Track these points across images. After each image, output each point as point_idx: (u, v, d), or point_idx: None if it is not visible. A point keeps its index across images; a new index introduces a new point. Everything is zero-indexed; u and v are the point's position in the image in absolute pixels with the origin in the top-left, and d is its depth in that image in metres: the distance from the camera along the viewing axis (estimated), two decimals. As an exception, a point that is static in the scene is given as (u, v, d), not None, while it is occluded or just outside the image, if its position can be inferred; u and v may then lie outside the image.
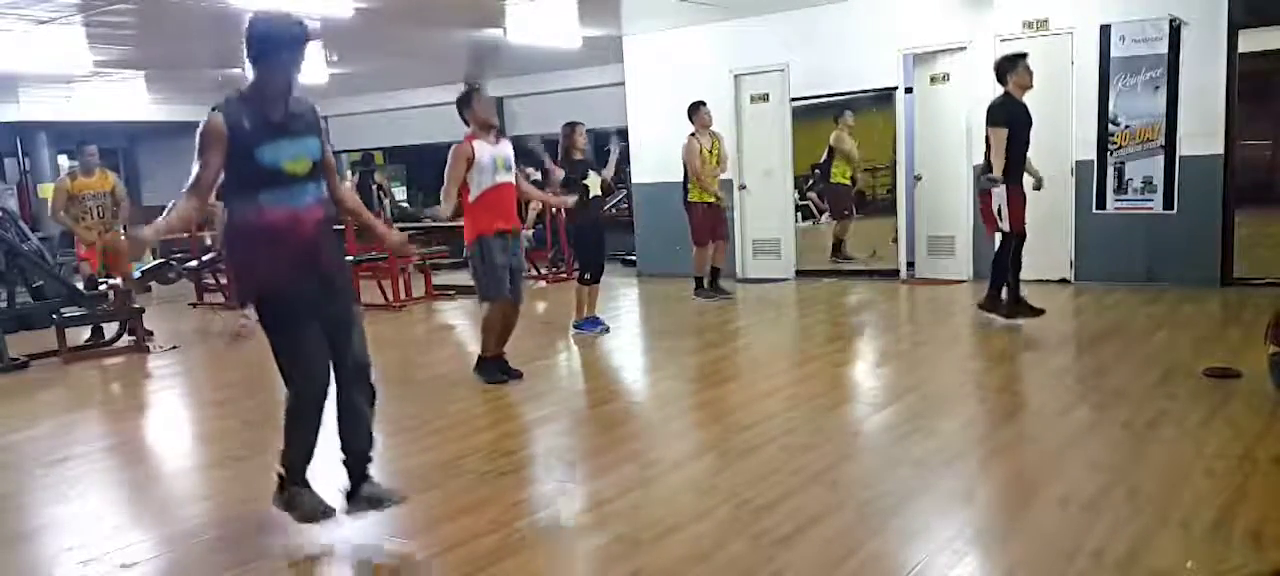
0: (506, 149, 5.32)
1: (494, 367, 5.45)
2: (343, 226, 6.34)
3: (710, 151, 7.99)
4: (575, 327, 6.92)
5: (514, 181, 5.36)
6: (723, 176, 8.30)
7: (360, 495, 3.21)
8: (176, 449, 4.98)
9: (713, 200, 8.03)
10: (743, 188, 9.16)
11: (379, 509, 3.21)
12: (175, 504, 3.83)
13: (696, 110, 7.96)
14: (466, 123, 5.24)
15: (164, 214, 2.94)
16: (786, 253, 9.48)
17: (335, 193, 3.26)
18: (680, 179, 8.19)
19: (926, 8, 8.38)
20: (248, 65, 2.95)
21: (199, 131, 2.91)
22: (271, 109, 2.95)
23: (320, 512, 3.16)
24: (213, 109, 2.91)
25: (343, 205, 3.37)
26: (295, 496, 3.17)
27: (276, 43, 2.91)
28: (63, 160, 17.16)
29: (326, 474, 3.25)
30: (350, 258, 7.65)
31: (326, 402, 3.11)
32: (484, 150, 5.15)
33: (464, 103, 5.25)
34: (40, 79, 10.88)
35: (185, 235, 11.84)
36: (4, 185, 15.52)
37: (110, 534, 3.45)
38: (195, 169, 2.92)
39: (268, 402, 5.76)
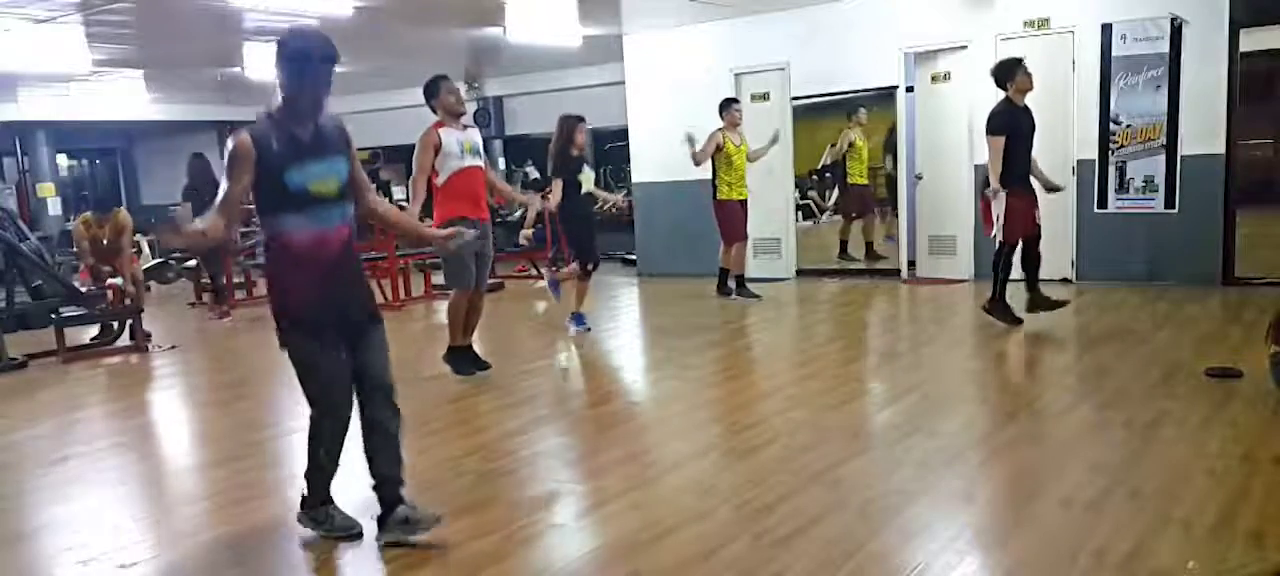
0: (474, 135, 5.38)
1: (463, 358, 5.46)
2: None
3: (737, 149, 7.81)
4: (572, 316, 6.95)
5: (482, 166, 5.38)
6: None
7: (393, 520, 3.08)
8: (176, 449, 4.98)
9: (743, 198, 7.89)
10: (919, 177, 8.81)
11: (414, 532, 3.07)
12: (175, 504, 3.82)
13: (726, 107, 7.81)
14: (434, 110, 5.29)
15: (200, 221, 2.91)
16: (787, 252, 9.47)
17: (367, 206, 3.24)
18: (679, 178, 8.15)
19: (927, 7, 8.37)
20: (279, 83, 2.95)
21: (227, 151, 2.91)
22: (301, 129, 2.93)
23: (350, 530, 3.16)
24: (243, 129, 2.91)
25: (375, 215, 3.33)
26: (323, 516, 3.17)
27: (307, 59, 2.90)
28: (62, 159, 17.18)
29: (352, 493, 3.25)
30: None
31: (348, 427, 3.08)
32: (450, 136, 5.21)
33: (430, 91, 5.30)
34: (39, 78, 10.87)
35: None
36: (3, 184, 15.51)
37: (110, 534, 3.44)
38: (222, 187, 2.92)
39: (267, 403, 5.77)
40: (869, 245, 9.98)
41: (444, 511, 3.17)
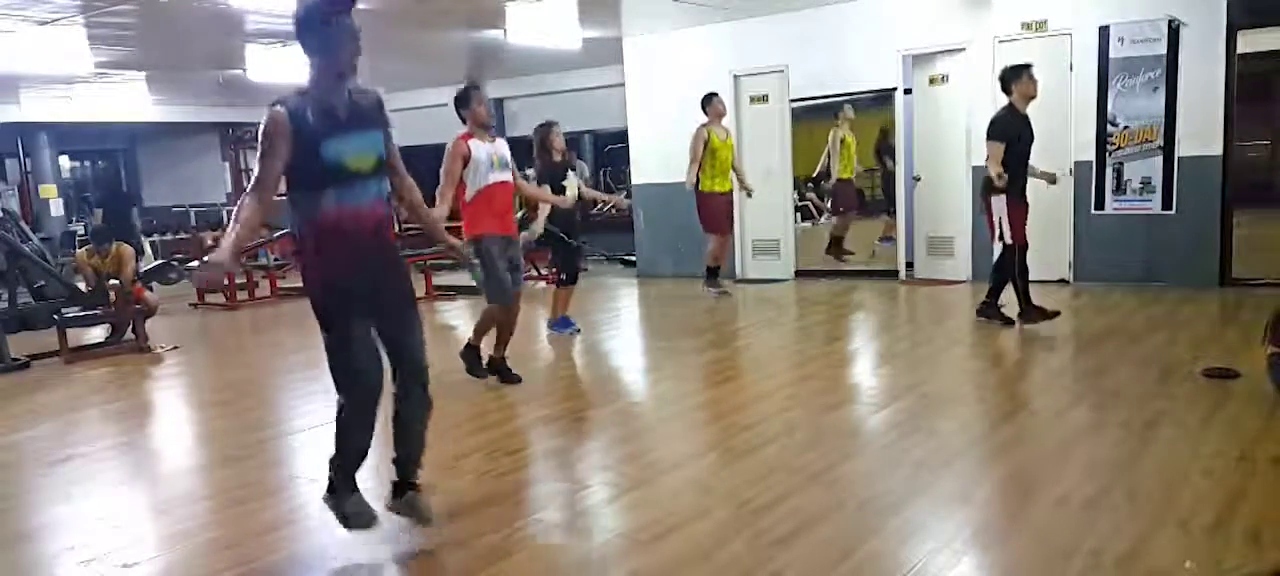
0: (503, 148, 5.28)
1: (489, 364, 5.43)
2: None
3: (723, 143, 7.91)
4: (550, 327, 6.96)
5: (510, 180, 5.34)
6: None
7: (402, 499, 3.15)
8: (176, 449, 4.99)
9: (726, 190, 7.97)
10: (917, 178, 8.79)
11: (412, 519, 3.14)
12: (175, 504, 3.83)
13: (709, 100, 7.92)
14: (464, 121, 5.21)
15: (231, 226, 2.81)
16: (786, 253, 9.50)
17: (401, 188, 3.15)
18: (679, 180, 8.18)
19: (925, 9, 8.39)
20: (306, 53, 2.85)
21: (262, 127, 2.77)
22: (334, 100, 2.84)
23: (365, 521, 3.10)
24: (274, 104, 2.78)
25: (405, 200, 3.25)
26: (342, 501, 3.10)
27: (321, 19, 2.81)
28: (64, 161, 17.22)
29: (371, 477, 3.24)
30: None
31: (378, 408, 3.00)
32: (480, 148, 5.11)
33: (462, 101, 5.19)
34: (41, 80, 10.89)
35: (185, 235, 11.89)
36: (5, 186, 15.55)
37: (110, 534, 3.45)
38: (257, 168, 2.83)
39: (268, 403, 5.79)
40: (837, 240, 9.97)
41: (437, 518, 3.18)
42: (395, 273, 3.10)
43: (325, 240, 2.87)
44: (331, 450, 3.10)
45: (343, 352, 2.93)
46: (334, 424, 3.04)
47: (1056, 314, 6.13)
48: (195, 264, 2.86)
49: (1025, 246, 6.04)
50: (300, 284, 3.03)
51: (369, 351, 2.95)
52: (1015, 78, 5.98)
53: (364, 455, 3.10)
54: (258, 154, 2.84)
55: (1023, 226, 6.01)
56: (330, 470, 3.12)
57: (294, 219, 2.92)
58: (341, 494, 3.10)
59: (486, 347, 5.51)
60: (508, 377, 5.44)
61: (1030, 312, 6.08)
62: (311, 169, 2.80)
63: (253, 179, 2.86)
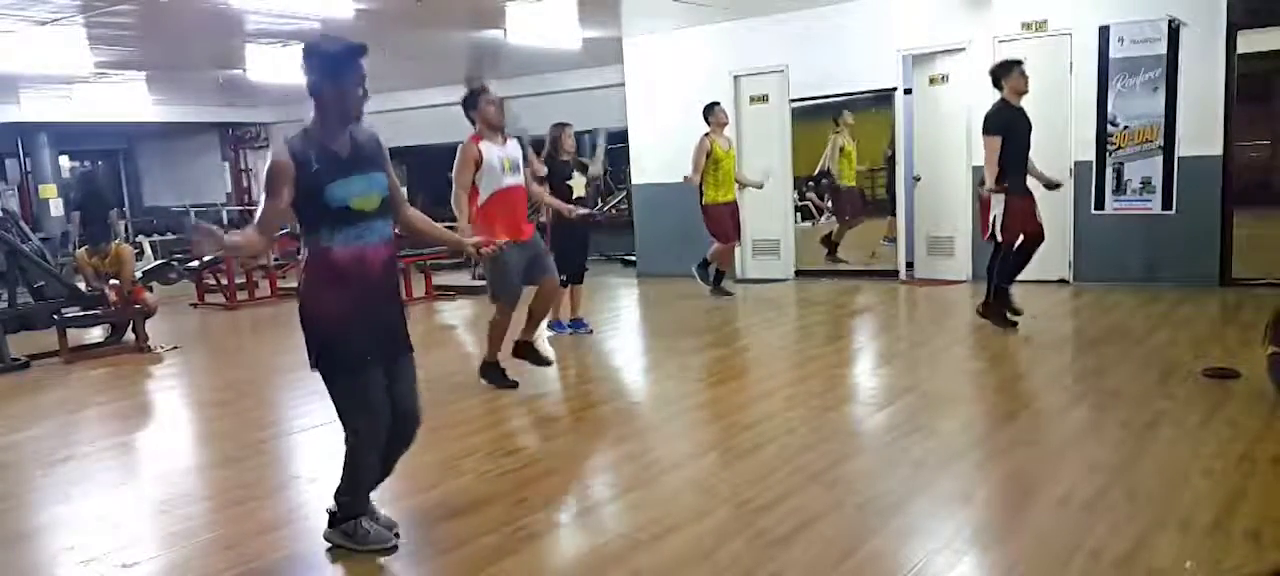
0: (514, 150, 5.19)
1: (516, 349, 5.36)
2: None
3: (726, 153, 7.99)
4: (550, 327, 6.91)
5: (522, 183, 5.27)
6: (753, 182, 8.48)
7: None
8: (176, 449, 4.98)
9: (730, 199, 8.05)
10: (918, 178, 8.78)
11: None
12: (175, 504, 3.83)
13: (711, 110, 7.98)
14: (473, 123, 5.12)
15: (238, 232, 2.83)
16: (786, 253, 9.50)
17: (405, 220, 3.19)
18: (679, 180, 8.20)
19: (925, 9, 8.39)
20: (311, 92, 2.86)
21: (265, 169, 2.84)
22: (337, 142, 2.86)
23: (389, 542, 3.10)
24: (282, 143, 2.84)
25: (412, 228, 3.27)
26: (358, 528, 3.09)
27: (336, 59, 2.83)
28: (64, 161, 17.21)
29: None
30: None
31: (386, 433, 3.04)
32: (491, 151, 5.02)
33: (470, 103, 5.10)
34: (41, 80, 10.90)
35: (185, 235, 11.88)
36: (5, 186, 15.55)
37: (110, 534, 3.45)
38: (260, 206, 2.86)
39: (268, 403, 5.78)
40: (835, 243, 10.02)
41: (398, 528, 3.20)
42: (395, 316, 3.12)
43: (335, 280, 2.89)
44: (339, 484, 3.10)
45: (356, 393, 2.96)
46: (344, 460, 3.06)
47: (1015, 325, 6.11)
48: (201, 231, 2.82)
49: (1041, 237, 6.01)
50: (300, 310, 2.99)
51: (379, 387, 2.98)
52: (1005, 74, 5.98)
53: (375, 483, 3.15)
54: (262, 192, 2.87)
55: (1032, 218, 5.96)
56: (337, 505, 3.11)
57: (304, 257, 2.95)
58: (360, 521, 3.10)
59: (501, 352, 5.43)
60: (538, 360, 5.40)
61: (992, 309, 6.11)
62: (317, 211, 2.85)
63: (257, 214, 2.89)
